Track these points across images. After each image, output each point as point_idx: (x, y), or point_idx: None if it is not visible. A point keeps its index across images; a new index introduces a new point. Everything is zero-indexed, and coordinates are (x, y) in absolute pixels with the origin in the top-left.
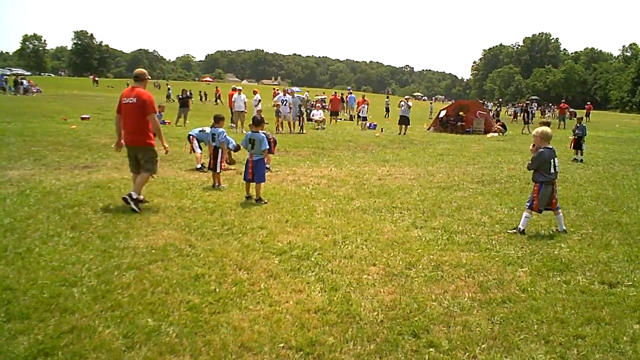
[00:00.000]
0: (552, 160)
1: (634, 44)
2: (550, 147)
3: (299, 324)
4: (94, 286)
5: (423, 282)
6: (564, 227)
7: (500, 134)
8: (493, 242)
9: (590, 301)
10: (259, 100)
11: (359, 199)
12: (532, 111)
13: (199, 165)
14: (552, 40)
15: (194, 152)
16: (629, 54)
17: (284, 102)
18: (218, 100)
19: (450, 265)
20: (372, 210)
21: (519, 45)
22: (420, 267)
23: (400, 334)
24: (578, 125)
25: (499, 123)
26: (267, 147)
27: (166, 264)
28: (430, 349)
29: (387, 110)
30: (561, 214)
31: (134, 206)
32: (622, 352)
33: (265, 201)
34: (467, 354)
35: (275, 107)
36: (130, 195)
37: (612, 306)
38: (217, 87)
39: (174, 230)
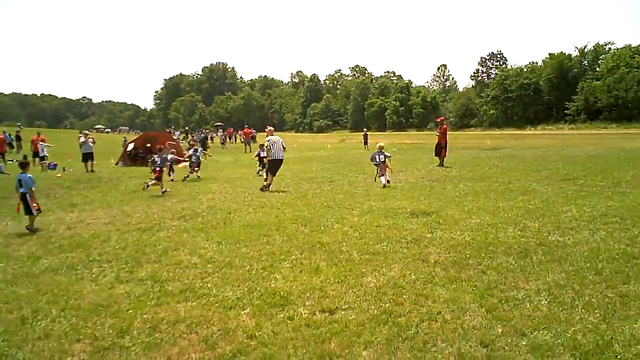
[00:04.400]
0: None
1: (300, 71)
2: None
3: None
4: None
5: (141, 351)
6: None
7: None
8: (209, 285)
9: (318, 335)
10: None
11: (47, 257)
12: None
13: None
14: (229, 69)
15: None
16: (297, 80)
17: None
18: None
19: (168, 323)
20: (66, 269)
21: (198, 74)
22: (135, 332)
23: None
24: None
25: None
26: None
27: None
28: None
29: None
30: None
31: None
32: None
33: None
34: None
35: None
36: None
37: (339, 336)
38: None
39: None
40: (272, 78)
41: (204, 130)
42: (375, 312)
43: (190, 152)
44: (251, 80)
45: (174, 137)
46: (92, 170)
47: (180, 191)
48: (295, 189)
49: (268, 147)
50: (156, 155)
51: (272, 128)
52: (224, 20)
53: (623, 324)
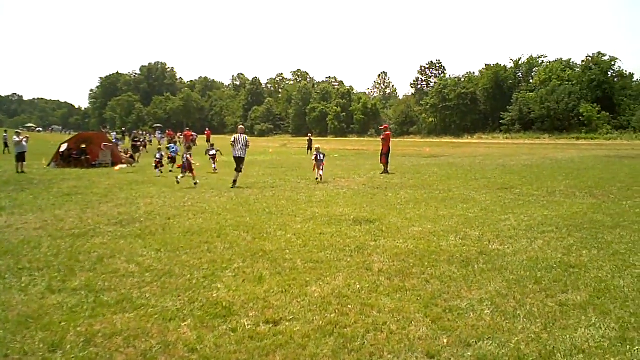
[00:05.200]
0: None
1: (241, 74)
2: None
3: None
4: None
5: None
6: None
7: (130, 165)
8: (147, 296)
9: (262, 347)
10: None
11: None
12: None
13: None
14: (169, 69)
15: None
16: (237, 83)
17: None
18: None
19: (104, 336)
20: None
21: (136, 73)
22: (68, 346)
23: None
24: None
25: (128, 155)
26: None
27: None
28: None
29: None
30: None
31: None
32: None
33: None
34: None
35: None
36: None
37: (283, 348)
38: None
39: None
40: (213, 80)
41: (132, 132)
42: (321, 322)
43: (184, 153)
44: (191, 81)
45: (111, 138)
46: (22, 172)
47: (117, 195)
48: (237, 194)
49: (232, 144)
50: (186, 152)
51: (242, 127)
52: (164, 19)
53: (564, 333)
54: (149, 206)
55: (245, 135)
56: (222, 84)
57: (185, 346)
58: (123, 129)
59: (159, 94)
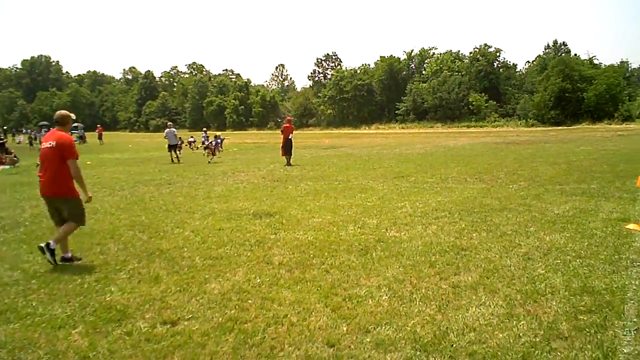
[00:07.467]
0: None
1: (134, 67)
2: None
3: None
4: None
5: None
6: None
7: (13, 166)
8: (34, 304)
9: (159, 349)
10: None
11: None
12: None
13: None
14: (53, 63)
15: None
16: (130, 77)
17: None
18: None
19: None
20: None
21: (17, 68)
22: None
23: None
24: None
25: (12, 154)
26: None
27: None
28: None
29: None
30: None
31: (49, 257)
32: None
33: None
34: None
35: None
36: (47, 245)
37: (182, 348)
38: None
39: None
40: (103, 74)
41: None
42: (220, 320)
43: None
44: (79, 75)
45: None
46: None
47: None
48: (131, 192)
49: (165, 138)
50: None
51: (170, 123)
52: (46, 8)
53: (457, 314)
54: (35, 209)
55: (172, 129)
56: (113, 77)
57: (77, 354)
58: (4, 127)
59: (43, 90)
